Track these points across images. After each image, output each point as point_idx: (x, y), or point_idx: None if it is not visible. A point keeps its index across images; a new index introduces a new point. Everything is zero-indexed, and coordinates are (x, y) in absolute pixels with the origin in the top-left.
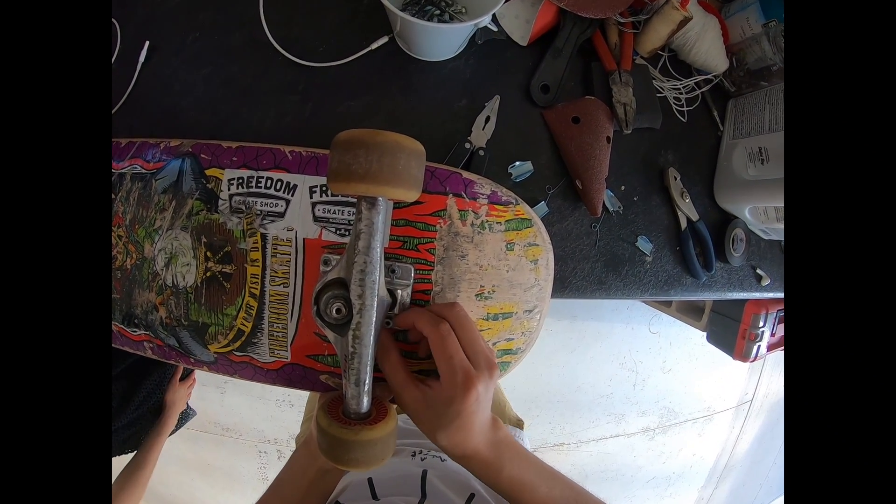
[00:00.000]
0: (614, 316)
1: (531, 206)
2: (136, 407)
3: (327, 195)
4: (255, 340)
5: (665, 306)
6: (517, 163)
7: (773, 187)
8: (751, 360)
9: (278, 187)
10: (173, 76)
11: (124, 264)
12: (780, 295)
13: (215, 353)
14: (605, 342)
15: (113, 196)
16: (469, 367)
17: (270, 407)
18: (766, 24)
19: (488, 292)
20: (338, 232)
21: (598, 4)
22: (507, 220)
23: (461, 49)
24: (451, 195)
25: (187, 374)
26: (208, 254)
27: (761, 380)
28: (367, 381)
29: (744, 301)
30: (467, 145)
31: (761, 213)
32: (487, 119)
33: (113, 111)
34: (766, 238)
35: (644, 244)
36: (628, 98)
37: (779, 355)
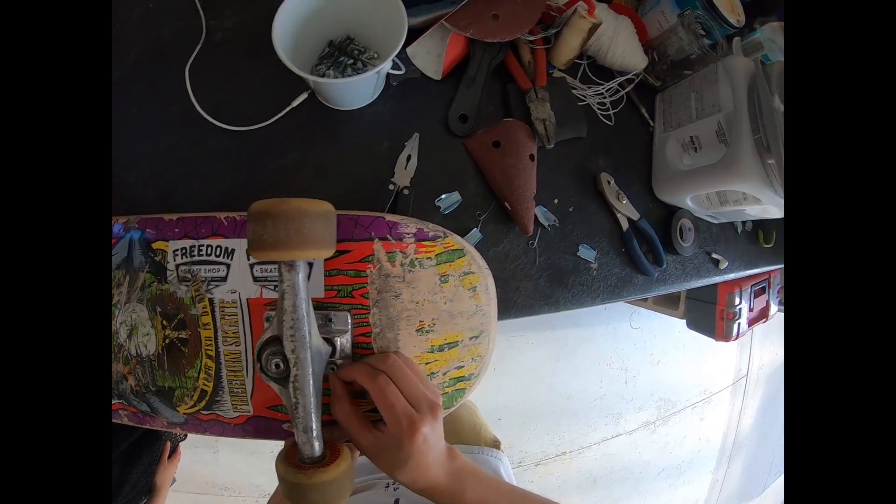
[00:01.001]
0: (594, 319)
1: (464, 235)
2: (128, 491)
3: None
4: (218, 398)
5: (641, 301)
6: (444, 195)
7: (709, 173)
8: (733, 338)
9: (218, 253)
10: (118, 151)
11: None
12: (742, 274)
13: (185, 413)
14: (589, 346)
15: None
16: (411, 413)
17: (265, 460)
18: (682, 14)
19: (428, 326)
20: (276, 289)
21: (503, 28)
22: (437, 254)
23: (378, 93)
24: (376, 240)
25: (174, 450)
26: (164, 322)
27: (753, 353)
28: (314, 428)
29: (716, 283)
30: (391, 187)
31: (704, 200)
32: (409, 158)
33: None
34: (716, 222)
35: (586, 252)
36: (546, 114)
37: (765, 326)
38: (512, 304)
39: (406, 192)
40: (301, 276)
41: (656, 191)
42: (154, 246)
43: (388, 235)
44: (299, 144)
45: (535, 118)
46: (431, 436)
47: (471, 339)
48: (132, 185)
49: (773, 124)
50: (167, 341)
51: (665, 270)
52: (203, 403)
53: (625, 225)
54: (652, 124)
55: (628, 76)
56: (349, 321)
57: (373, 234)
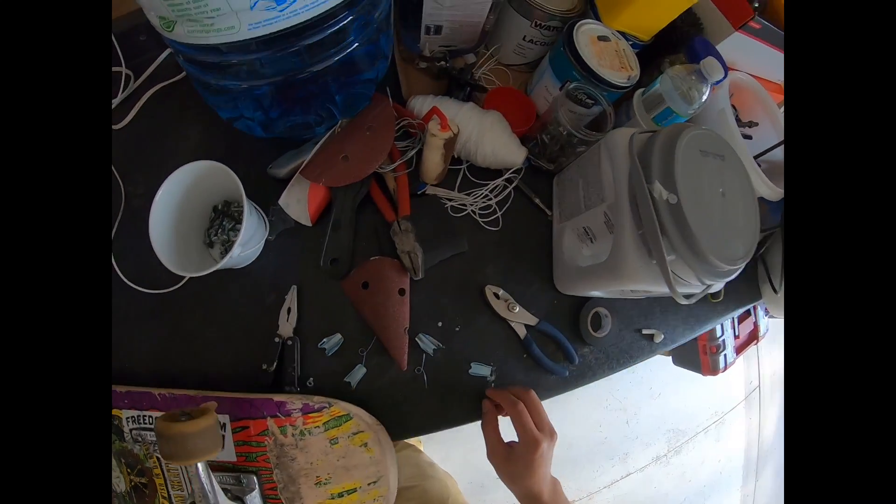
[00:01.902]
0: None
1: (349, 371)
2: None
3: None
4: None
5: None
6: (326, 338)
7: (601, 273)
8: (721, 371)
9: None
10: None
11: None
12: (689, 338)
13: None
14: (582, 392)
15: None
16: (536, 433)
17: None
18: (563, 85)
19: (325, 479)
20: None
21: (354, 169)
22: (324, 422)
23: (259, 252)
24: (268, 417)
25: None
26: (128, 470)
27: (761, 361)
28: None
29: None
30: (276, 339)
31: (617, 291)
32: (289, 310)
33: None
34: (644, 298)
35: (480, 369)
36: (410, 245)
37: (770, 333)
38: (407, 425)
39: (290, 342)
40: (200, 468)
41: (559, 286)
42: (113, 412)
43: (278, 413)
44: (204, 304)
45: (400, 251)
46: (547, 453)
47: (369, 484)
48: None
49: (651, 219)
50: (132, 484)
51: (581, 364)
52: None
53: (521, 332)
54: (549, 213)
55: (512, 171)
56: (256, 481)
57: (265, 413)
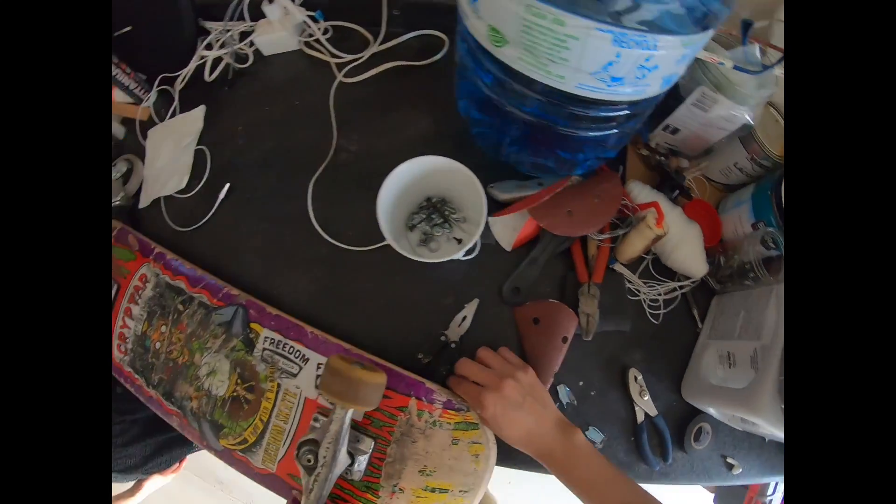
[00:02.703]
0: None
1: None
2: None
3: None
4: (255, 450)
5: None
6: None
7: (732, 397)
8: None
9: (297, 356)
10: (241, 220)
11: (177, 360)
12: (759, 481)
13: (224, 446)
14: None
15: (183, 308)
16: (474, 396)
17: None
18: (756, 223)
19: (430, 471)
20: (331, 405)
21: (574, 225)
22: (456, 422)
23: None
24: (413, 397)
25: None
26: (239, 381)
27: None
28: None
29: None
30: (443, 338)
31: (728, 414)
32: (464, 318)
33: (191, 229)
34: (741, 429)
35: (594, 434)
36: (592, 309)
37: None
38: (514, 457)
39: (453, 346)
40: (349, 415)
41: (683, 392)
42: (252, 325)
43: (423, 398)
44: (380, 276)
45: (581, 311)
46: (500, 405)
47: (460, 491)
48: (243, 254)
49: None
50: (235, 394)
51: (671, 465)
52: (242, 447)
53: (640, 418)
54: (700, 326)
55: (688, 280)
56: (371, 447)
57: (412, 392)
